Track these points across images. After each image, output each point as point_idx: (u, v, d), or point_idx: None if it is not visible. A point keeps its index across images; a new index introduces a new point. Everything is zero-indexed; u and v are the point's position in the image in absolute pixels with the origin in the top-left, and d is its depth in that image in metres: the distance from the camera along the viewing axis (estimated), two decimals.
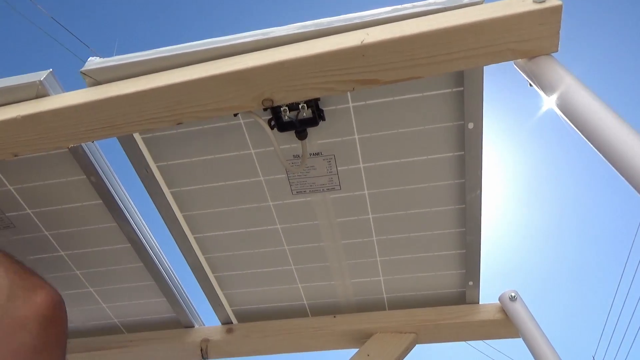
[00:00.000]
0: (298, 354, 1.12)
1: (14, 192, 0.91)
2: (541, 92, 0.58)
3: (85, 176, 0.86)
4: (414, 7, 0.60)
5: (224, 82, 0.61)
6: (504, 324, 0.99)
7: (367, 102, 0.77)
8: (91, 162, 0.83)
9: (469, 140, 0.78)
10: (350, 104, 0.78)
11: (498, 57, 0.58)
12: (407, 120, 0.79)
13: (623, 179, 0.49)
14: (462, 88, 0.74)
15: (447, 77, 0.74)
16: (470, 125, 0.76)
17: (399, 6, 0.61)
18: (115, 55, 0.68)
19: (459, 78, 0.73)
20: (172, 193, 0.91)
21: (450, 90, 0.75)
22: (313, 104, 0.75)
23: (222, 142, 0.83)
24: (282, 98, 0.63)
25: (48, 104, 0.65)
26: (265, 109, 0.73)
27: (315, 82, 0.61)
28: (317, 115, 0.76)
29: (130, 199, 0.92)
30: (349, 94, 0.77)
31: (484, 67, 0.70)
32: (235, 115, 0.79)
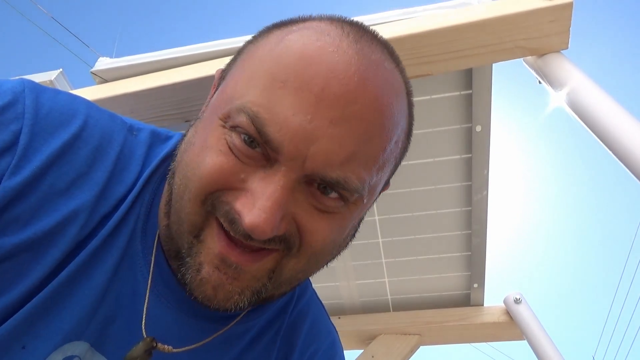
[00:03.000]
0: None
1: None
2: (550, 90, 0.57)
3: None
4: (425, 10, 0.60)
5: None
6: (509, 326, 0.99)
7: None
8: None
9: (477, 143, 0.78)
10: None
11: (507, 54, 0.58)
12: (416, 122, 0.78)
13: (632, 176, 0.48)
14: (470, 91, 0.74)
15: (455, 80, 0.74)
16: (478, 128, 0.76)
17: (409, 9, 0.61)
18: (115, 54, 0.69)
19: (468, 81, 0.73)
20: None
21: (458, 93, 0.75)
22: None
23: None
24: None
25: None
26: None
27: None
28: None
29: None
30: None
31: (492, 70, 0.70)
32: None
